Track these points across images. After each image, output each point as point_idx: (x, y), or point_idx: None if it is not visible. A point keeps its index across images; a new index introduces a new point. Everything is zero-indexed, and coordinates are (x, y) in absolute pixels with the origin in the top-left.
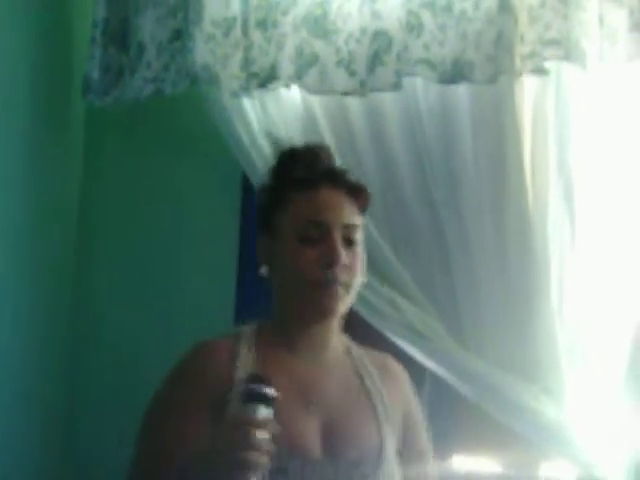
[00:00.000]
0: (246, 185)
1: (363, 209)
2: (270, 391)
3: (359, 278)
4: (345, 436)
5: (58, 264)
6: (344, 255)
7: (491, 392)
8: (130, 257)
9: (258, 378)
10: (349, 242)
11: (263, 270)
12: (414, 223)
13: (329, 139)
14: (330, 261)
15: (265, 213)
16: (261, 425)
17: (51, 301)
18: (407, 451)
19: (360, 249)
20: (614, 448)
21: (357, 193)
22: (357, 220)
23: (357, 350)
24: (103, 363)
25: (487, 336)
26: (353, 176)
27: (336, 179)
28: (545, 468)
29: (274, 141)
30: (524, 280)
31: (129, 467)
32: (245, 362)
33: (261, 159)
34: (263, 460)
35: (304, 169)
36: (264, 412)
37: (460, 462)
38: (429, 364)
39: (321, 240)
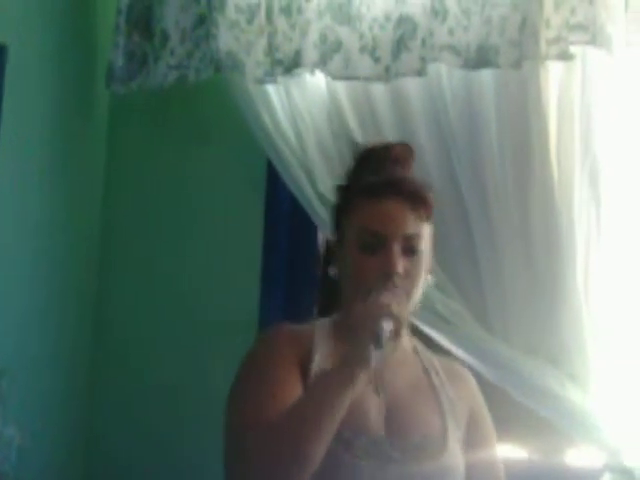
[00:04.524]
0: (271, 172)
1: (428, 216)
2: None
3: (419, 287)
4: (408, 419)
5: (81, 252)
6: (401, 265)
7: (517, 377)
8: (153, 246)
9: None
10: (411, 251)
11: (332, 271)
12: (439, 209)
13: (353, 125)
14: (387, 272)
15: (335, 214)
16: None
17: (74, 292)
18: (473, 451)
19: (423, 258)
20: None
21: (422, 203)
22: (420, 229)
23: (426, 352)
24: (125, 370)
25: (513, 322)
26: (420, 183)
27: (401, 190)
28: (571, 454)
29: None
30: (550, 265)
31: (229, 438)
32: (322, 349)
33: (286, 146)
34: (402, 309)
35: (372, 174)
36: None
37: None
38: (455, 350)
39: (380, 250)
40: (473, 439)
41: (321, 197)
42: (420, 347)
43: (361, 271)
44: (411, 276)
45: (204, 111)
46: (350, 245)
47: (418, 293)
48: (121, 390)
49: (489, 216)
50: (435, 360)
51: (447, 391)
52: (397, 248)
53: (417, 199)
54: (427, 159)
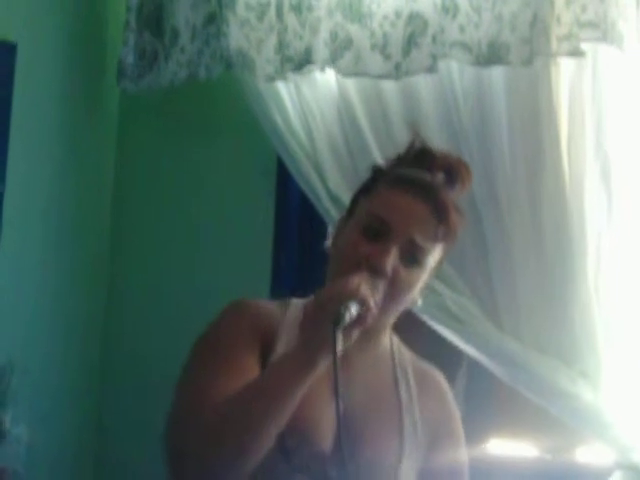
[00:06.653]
0: (281, 170)
1: (445, 238)
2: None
3: (402, 302)
4: (361, 436)
5: (91, 249)
6: (391, 266)
7: (527, 375)
8: (163, 243)
9: None
10: (412, 260)
11: (326, 245)
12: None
13: (363, 122)
14: (373, 263)
15: (358, 192)
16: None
17: (83, 289)
18: (435, 467)
19: (421, 275)
20: None
21: (445, 221)
22: (430, 245)
23: (404, 356)
24: (135, 368)
25: (523, 319)
26: (455, 205)
27: (432, 198)
28: (582, 452)
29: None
30: (561, 263)
31: (171, 416)
32: (288, 333)
33: (296, 143)
34: (373, 297)
35: (412, 170)
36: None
37: (497, 446)
38: (466, 347)
39: (381, 240)
40: (436, 457)
41: (331, 194)
42: (399, 351)
43: (351, 250)
44: (399, 286)
45: (214, 109)
46: (355, 224)
47: (397, 307)
48: (131, 388)
49: (500, 213)
50: (410, 367)
51: (414, 410)
52: (397, 247)
53: (443, 215)
54: None
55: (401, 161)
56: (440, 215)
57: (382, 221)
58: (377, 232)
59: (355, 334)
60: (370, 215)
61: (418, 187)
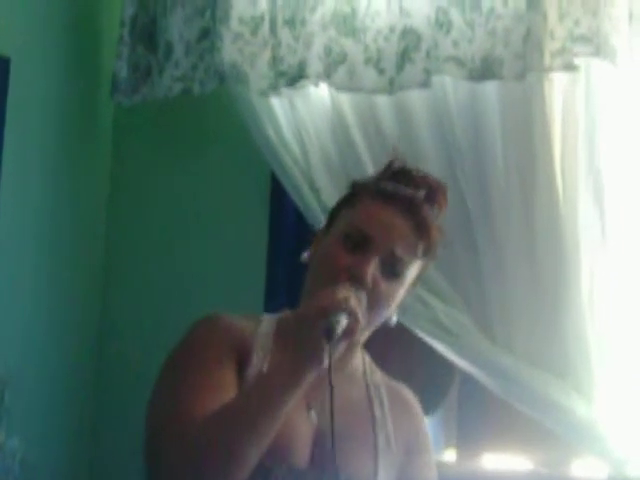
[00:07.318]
0: (275, 184)
1: (425, 253)
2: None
3: (379, 315)
4: (338, 451)
5: (85, 264)
6: (371, 277)
7: (520, 388)
8: (158, 258)
9: None
10: (392, 273)
11: (304, 256)
12: (443, 220)
13: (358, 137)
14: (355, 274)
15: (337, 205)
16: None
17: (78, 302)
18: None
19: (399, 289)
20: None
21: (426, 236)
22: (410, 259)
23: (375, 375)
24: (129, 381)
25: (516, 332)
26: (436, 222)
27: (414, 212)
28: (576, 465)
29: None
30: (554, 277)
31: (150, 434)
32: (263, 346)
33: (290, 158)
34: (352, 302)
35: (394, 185)
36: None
37: (490, 460)
38: (458, 361)
39: (360, 251)
40: (410, 471)
41: (325, 208)
42: (370, 369)
43: (331, 261)
44: (378, 297)
45: (208, 123)
46: (334, 235)
47: (376, 321)
48: (125, 400)
49: (493, 227)
50: (383, 385)
51: (387, 427)
52: (376, 260)
53: (424, 230)
54: (431, 171)
55: (380, 178)
56: (421, 231)
57: (363, 233)
58: (357, 244)
59: (342, 347)
60: (351, 227)
61: (400, 201)
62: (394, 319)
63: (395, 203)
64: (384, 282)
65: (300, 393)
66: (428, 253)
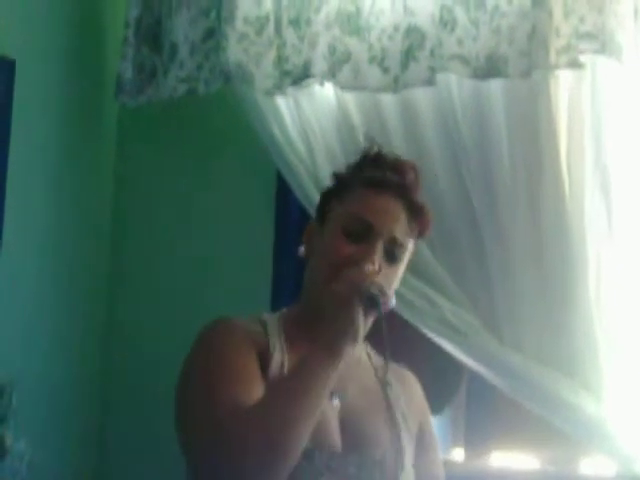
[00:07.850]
0: (280, 184)
1: (419, 234)
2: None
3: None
4: (363, 434)
5: (90, 266)
6: (378, 263)
7: (528, 387)
8: (164, 259)
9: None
10: (392, 258)
11: (301, 251)
12: (449, 218)
13: (363, 136)
14: (364, 262)
15: (325, 198)
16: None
17: (83, 304)
18: (419, 463)
19: (398, 272)
20: None
21: (418, 215)
22: (407, 241)
23: (378, 359)
24: (136, 382)
25: (524, 330)
26: (424, 201)
27: (404, 194)
28: (585, 463)
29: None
30: (562, 274)
31: (196, 438)
32: (280, 343)
33: (295, 157)
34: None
35: (381, 171)
36: None
37: (499, 458)
38: (466, 359)
39: (363, 240)
40: (420, 450)
41: None
42: (373, 355)
43: (336, 253)
44: (384, 282)
45: (213, 123)
46: (334, 229)
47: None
48: (132, 403)
49: (500, 226)
50: (386, 367)
51: (401, 405)
52: (380, 245)
53: (417, 210)
54: (437, 169)
55: (362, 167)
56: (415, 212)
57: (363, 221)
58: (358, 233)
59: (370, 322)
60: (349, 217)
61: (392, 187)
62: (393, 302)
63: (387, 189)
64: (387, 267)
65: (340, 369)
66: (424, 233)
